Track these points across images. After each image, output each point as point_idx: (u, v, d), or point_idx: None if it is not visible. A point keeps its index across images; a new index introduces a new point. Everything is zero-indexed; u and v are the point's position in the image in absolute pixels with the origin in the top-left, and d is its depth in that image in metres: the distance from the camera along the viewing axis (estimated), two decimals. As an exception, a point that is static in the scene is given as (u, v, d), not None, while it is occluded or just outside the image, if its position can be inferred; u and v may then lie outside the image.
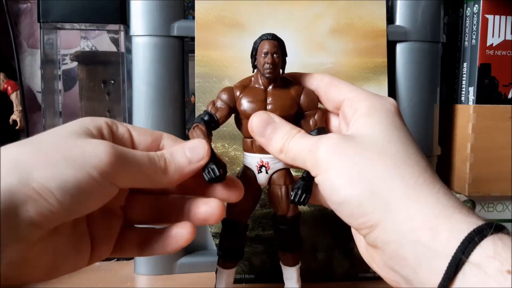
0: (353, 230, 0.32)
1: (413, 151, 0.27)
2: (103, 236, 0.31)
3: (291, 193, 0.33)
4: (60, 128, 0.28)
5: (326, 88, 0.33)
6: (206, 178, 0.31)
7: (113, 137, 0.30)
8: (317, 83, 0.34)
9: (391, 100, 0.31)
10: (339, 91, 0.32)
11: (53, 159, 0.24)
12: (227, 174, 0.32)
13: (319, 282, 0.46)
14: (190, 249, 0.50)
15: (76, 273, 0.48)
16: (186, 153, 0.31)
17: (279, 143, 0.31)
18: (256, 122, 0.32)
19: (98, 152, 0.25)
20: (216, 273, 0.37)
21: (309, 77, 0.34)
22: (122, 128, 0.31)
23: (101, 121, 0.30)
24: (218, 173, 0.31)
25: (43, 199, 0.23)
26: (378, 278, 0.48)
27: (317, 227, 0.46)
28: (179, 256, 0.49)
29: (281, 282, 0.40)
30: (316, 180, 0.29)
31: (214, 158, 0.32)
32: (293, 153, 0.30)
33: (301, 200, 0.33)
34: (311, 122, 0.34)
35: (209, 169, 0.31)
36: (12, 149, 0.25)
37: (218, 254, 0.37)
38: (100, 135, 0.29)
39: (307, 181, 0.33)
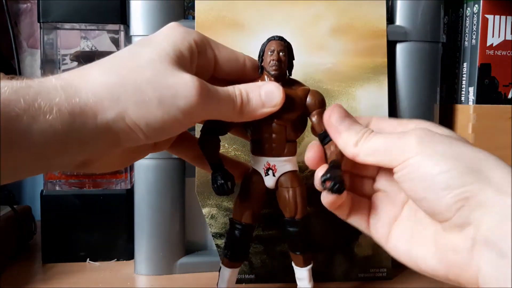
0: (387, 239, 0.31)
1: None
2: (165, 142, 0.34)
3: (323, 179, 0.30)
4: (157, 47, 0.28)
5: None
6: (215, 192, 0.33)
7: (199, 59, 0.31)
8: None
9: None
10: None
11: (147, 98, 0.26)
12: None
13: (319, 282, 0.46)
14: (190, 249, 0.50)
15: (76, 273, 0.48)
16: (262, 96, 0.31)
17: (355, 137, 0.30)
18: (336, 114, 0.31)
19: (188, 98, 0.27)
20: (219, 271, 0.37)
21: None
22: (210, 52, 0.32)
23: (192, 42, 0.30)
24: (226, 187, 0.33)
25: (132, 132, 0.27)
26: (378, 278, 0.48)
27: (317, 227, 0.46)
28: (179, 256, 0.49)
29: (282, 282, 0.40)
30: (401, 167, 0.27)
31: (222, 170, 0.33)
32: (373, 145, 0.29)
33: (342, 186, 0.30)
34: (321, 121, 0.32)
35: (218, 183, 0.33)
36: (113, 79, 0.26)
37: (224, 254, 0.37)
38: (190, 57, 0.30)
39: (338, 168, 0.31)
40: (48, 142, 0.24)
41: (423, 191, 0.27)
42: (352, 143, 0.30)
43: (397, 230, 0.31)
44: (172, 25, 0.31)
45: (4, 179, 0.24)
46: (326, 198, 0.31)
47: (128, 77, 0.27)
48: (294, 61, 0.35)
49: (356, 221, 0.33)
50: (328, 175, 0.30)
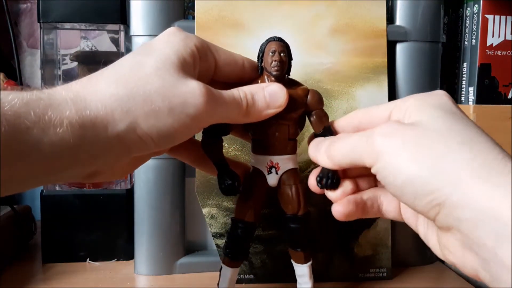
0: (417, 226, 0.30)
1: (476, 131, 0.26)
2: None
3: (318, 179, 0.31)
4: (161, 55, 0.28)
5: (366, 115, 0.31)
6: (223, 192, 0.33)
7: (200, 64, 0.31)
8: (355, 119, 0.32)
9: (440, 91, 0.30)
10: (380, 109, 0.31)
11: (157, 108, 0.27)
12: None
13: (319, 282, 0.46)
14: (190, 249, 0.50)
15: (76, 273, 0.48)
16: (266, 97, 0.32)
17: (323, 152, 0.30)
18: (311, 148, 0.32)
19: (196, 105, 0.28)
20: (220, 271, 0.37)
21: (349, 118, 0.33)
22: (210, 56, 0.32)
23: (193, 48, 0.30)
24: (233, 187, 0.33)
25: (143, 142, 0.27)
26: (378, 278, 0.48)
27: (317, 227, 0.46)
28: (179, 256, 0.49)
29: (282, 282, 0.40)
30: (375, 169, 0.27)
31: (227, 171, 0.34)
32: (342, 152, 0.29)
33: (334, 181, 0.31)
34: (319, 121, 0.34)
35: (226, 184, 0.33)
36: (122, 90, 0.26)
37: (225, 253, 0.37)
38: (193, 63, 0.30)
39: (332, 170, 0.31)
40: (59, 154, 0.24)
41: (398, 195, 0.26)
42: (326, 159, 0.30)
43: (420, 219, 0.30)
44: (172, 30, 0.30)
45: (13, 190, 0.24)
46: (329, 196, 0.32)
47: (136, 88, 0.27)
48: (293, 61, 0.35)
49: (393, 216, 0.32)
50: (321, 174, 0.31)
